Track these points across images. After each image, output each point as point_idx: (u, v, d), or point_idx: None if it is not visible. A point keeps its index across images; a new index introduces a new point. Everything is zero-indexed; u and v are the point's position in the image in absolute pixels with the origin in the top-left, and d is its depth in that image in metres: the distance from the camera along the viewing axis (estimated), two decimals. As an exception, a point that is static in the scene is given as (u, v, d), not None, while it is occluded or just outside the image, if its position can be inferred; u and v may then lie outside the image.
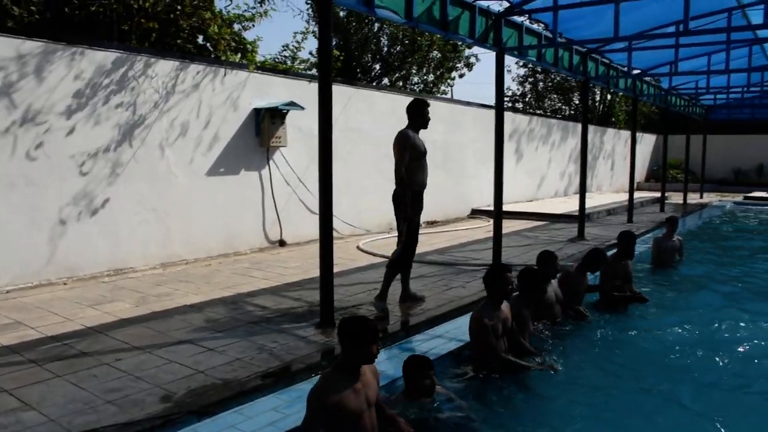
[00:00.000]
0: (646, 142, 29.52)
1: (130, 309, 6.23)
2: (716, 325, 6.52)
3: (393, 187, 6.44)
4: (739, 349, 5.82)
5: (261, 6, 12.08)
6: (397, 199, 6.37)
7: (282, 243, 10.32)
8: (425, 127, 6.51)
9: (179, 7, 10.50)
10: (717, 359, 5.49)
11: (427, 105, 6.52)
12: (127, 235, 8.18)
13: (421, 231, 11.49)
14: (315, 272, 7.64)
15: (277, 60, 14.53)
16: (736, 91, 18.15)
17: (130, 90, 8.16)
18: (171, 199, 8.69)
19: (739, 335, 6.28)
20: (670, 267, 9.53)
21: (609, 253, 7.48)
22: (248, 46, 11.25)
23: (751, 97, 21.38)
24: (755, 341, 6.06)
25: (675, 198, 21.59)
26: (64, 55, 7.49)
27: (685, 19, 8.05)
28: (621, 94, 27.42)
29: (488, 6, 8.58)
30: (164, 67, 8.54)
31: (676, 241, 9.77)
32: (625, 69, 12.87)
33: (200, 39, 11.60)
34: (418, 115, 6.42)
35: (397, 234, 6.59)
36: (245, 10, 12.01)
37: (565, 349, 5.64)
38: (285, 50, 15.02)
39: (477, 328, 4.96)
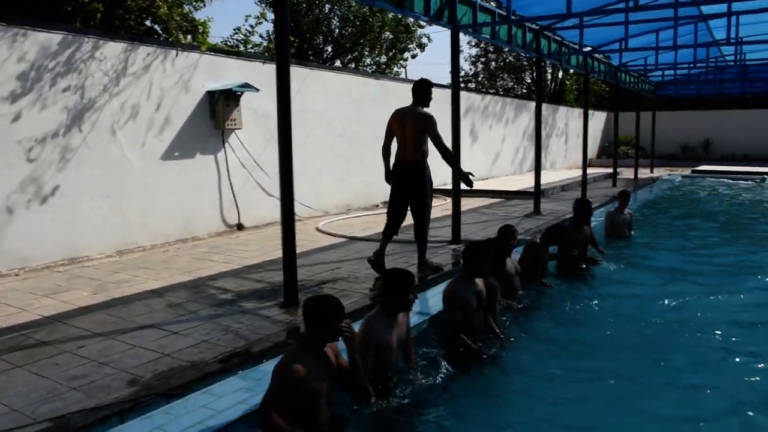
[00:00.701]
0: (598, 119, 30.03)
1: (88, 297, 6.09)
2: (665, 295, 6.70)
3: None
4: (686, 319, 5.98)
5: (211, -14, 11.89)
6: (420, 173, 6.78)
7: (240, 227, 10.21)
8: (428, 106, 6.91)
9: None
10: (663, 330, 5.65)
11: (433, 85, 7.01)
12: (80, 222, 7.97)
13: (378, 211, 11.74)
14: (275, 254, 7.65)
15: (229, 44, 14.32)
16: (683, 67, 18.59)
17: (77, 73, 7.91)
18: (125, 184, 8.49)
19: (687, 304, 6.46)
20: (623, 239, 9.76)
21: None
22: (199, 26, 11.04)
23: (697, 74, 21.98)
24: (703, 309, 6.25)
25: (626, 173, 22.09)
26: (6, 36, 7.20)
27: (635, -6, 8.19)
28: (572, 72, 27.80)
29: (442, -17, 8.59)
30: (113, 49, 8.30)
31: (627, 214, 9.99)
32: (577, 46, 13.04)
33: (149, 21, 11.34)
34: (424, 94, 6.86)
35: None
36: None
37: (522, 325, 5.77)
38: (237, 34, 14.82)
39: (448, 300, 5.03)
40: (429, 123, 6.67)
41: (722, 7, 10.42)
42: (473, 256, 5.14)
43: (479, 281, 5.25)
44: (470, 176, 6.86)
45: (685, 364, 4.87)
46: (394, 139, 6.95)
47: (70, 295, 6.14)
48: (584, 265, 7.79)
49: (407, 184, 6.83)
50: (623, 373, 4.68)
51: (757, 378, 4.55)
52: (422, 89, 6.85)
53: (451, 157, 6.79)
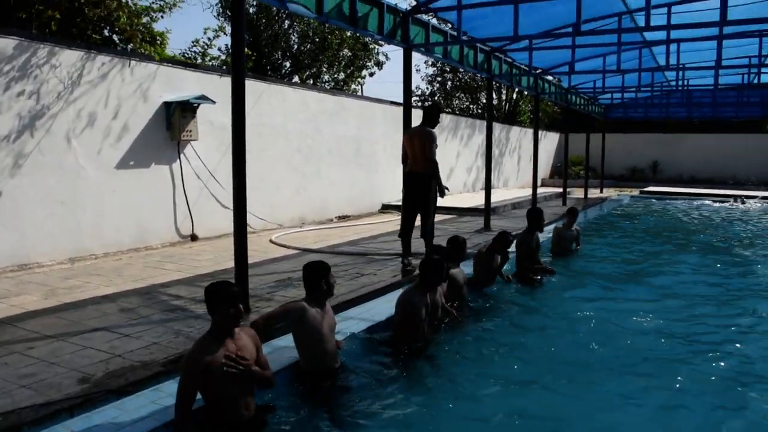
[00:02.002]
0: (550, 140, 30.75)
1: (38, 301, 6.12)
2: (605, 304, 7.10)
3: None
4: (624, 326, 6.33)
5: (169, -2, 12.00)
6: (428, 182, 8.10)
7: (194, 237, 10.27)
8: (434, 127, 8.27)
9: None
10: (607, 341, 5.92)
11: (440, 110, 8.77)
12: (32, 229, 7.96)
13: (333, 225, 12.04)
14: (228, 264, 7.76)
15: (187, 56, 14.38)
16: (630, 90, 19.30)
17: (32, 78, 7.93)
18: (79, 191, 8.51)
19: (624, 312, 6.85)
20: (569, 255, 10.08)
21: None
22: (158, 38, 11.12)
23: (644, 97, 22.80)
24: (641, 317, 6.64)
25: (577, 193, 22.68)
26: (-39, 41, 7.23)
27: (578, 21, 8.60)
28: (525, 93, 28.45)
29: (396, 4, 8.89)
30: (69, 57, 8.35)
31: (574, 230, 10.36)
32: (527, 68, 13.48)
33: (107, 31, 11.38)
34: (431, 117, 8.28)
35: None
36: (153, 2, 11.87)
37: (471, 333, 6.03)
38: (195, 46, 14.88)
39: (401, 308, 5.27)
40: (429, 137, 8.03)
41: (662, 35, 10.97)
42: (433, 271, 5.39)
43: (429, 294, 5.49)
44: (446, 190, 8.29)
45: (618, 370, 5.15)
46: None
47: (20, 300, 6.17)
48: (539, 276, 8.23)
49: (417, 191, 8.20)
50: (554, 375, 4.94)
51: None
52: (430, 112, 8.30)
53: (433, 167, 8.05)
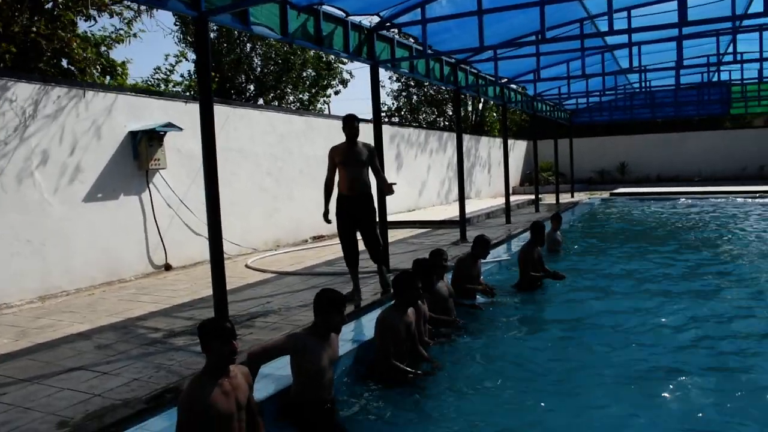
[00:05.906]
0: (519, 148, 30.99)
1: (9, 344, 5.89)
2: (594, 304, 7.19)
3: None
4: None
5: (129, 28, 11.86)
6: None
7: (168, 267, 10.07)
8: (348, 138, 7.55)
9: (35, 29, 10.06)
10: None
11: (346, 120, 7.54)
12: (-1, 269, 7.73)
13: (307, 246, 11.88)
14: (205, 293, 7.61)
15: (149, 83, 14.23)
16: (594, 95, 19.54)
17: (-7, 117, 7.74)
18: (46, 228, 8.28)
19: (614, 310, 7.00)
20: (558, 253, 10.83)
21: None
22: (118, 68, 10.97)
23: (608, 101, 23.12)
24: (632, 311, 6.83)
25: (548, 199, 22.83)
26: None
27: (542, 29, 8.62)
28: (492, 102, 28.67)
29: (360, 21, 8.86)
30: (25, 90, 8.14)
31: (558, 234, 11.06)
32: (493, 78, 13.55)
33: (65, 62, 11.19)
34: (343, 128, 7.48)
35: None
36: (112, 32, 11.72)
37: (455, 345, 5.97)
38: (157, 73, 14.75)
39: (380, 328, 5.10)
40: None
41: (624, 38, 11.11)
42: (404, 285, 5.22)
43: (410, 311, 5.33)
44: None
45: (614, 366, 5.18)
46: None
47: (-9, 344, 5.95)
48: (539, 282, 8.37)
49: None
50: (552, 387, 4.89)
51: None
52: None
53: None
